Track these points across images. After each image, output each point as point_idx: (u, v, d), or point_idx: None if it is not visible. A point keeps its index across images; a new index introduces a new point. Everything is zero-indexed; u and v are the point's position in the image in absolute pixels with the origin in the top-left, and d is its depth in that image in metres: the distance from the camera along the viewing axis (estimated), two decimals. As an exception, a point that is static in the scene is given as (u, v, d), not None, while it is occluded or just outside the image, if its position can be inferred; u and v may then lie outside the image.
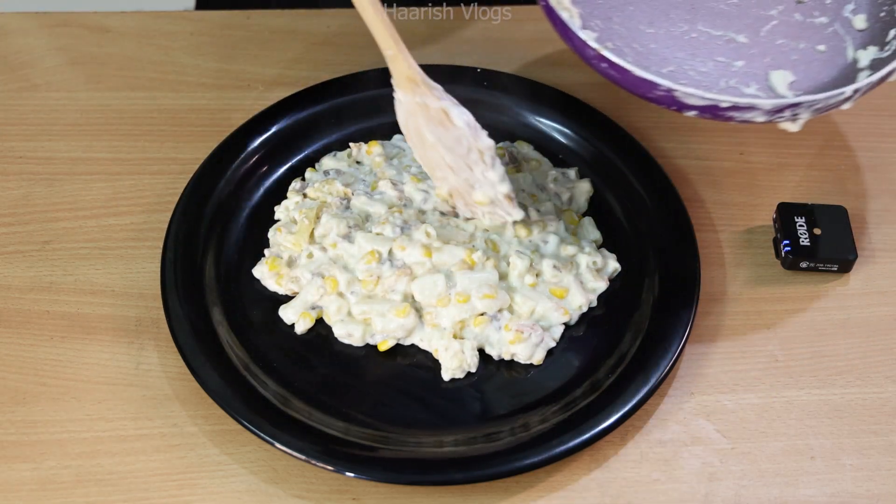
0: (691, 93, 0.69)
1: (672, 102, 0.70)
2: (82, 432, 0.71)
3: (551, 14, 0.73)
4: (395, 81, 0.74)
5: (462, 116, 0.72)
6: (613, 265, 0.79)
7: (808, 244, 0.79)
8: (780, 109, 0.69)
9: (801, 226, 0.80)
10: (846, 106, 0.71)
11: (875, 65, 0.75)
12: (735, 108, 0.69)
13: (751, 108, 0.69)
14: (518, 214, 0.76)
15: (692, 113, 0.71)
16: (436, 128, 0.73)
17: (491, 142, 0.73)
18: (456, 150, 0.73)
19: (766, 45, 0.78)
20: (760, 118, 0.70)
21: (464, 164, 0.74)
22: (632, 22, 0.78)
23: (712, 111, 0.70)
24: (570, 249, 0.78)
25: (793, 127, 0.72)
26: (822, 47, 0.78)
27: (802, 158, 0.88)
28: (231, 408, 0.70)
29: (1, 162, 0.86)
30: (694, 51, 0.77)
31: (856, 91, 0.70)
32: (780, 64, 0.77)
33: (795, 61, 0.77)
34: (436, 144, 0.74)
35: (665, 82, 0.69)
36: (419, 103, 0.73)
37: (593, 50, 0.70)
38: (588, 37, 0.71)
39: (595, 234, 0.81)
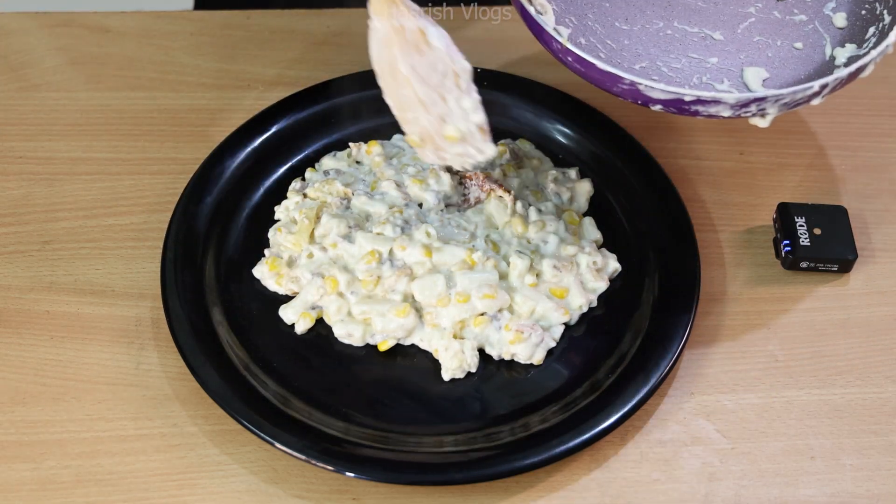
0: (654, 86, 0.69)
1: (637, 96, 0.70)
2: (82, 432, 0.71)
3: (521, 9, 0.73)
4: (372, 7, 0.71)
5: (441, 37, 0.71)
6: (613, 265, 0.79)
7: (808, 244, 0.79)
8: (745, 104, 0.69)
9: (801, 226, 0.80)
10: (816, 101, 0.71)
11: (852, 62, 0.74)
12: (699, 101, 0.69)
13: (715, 102, 0.69)
14: (491, 150, 0.72)
15: (657, 107, 0.71)
16: (411, 54, 0.71)
17: (469, 65, 0.71)
18: (430, 78, 0.71)
19: (741, 42, 0.78)
20: (726, 112, 0.70)
21: (437, 97, 0.71)
22: (607, 18, 0.78)
23: (676, 105, 0.70)
24: (570, 249, 0.78)
25: (762, 123, 0.71)
26: (799, 45, 0.77)
27: (802, 158, 0.88)
28: (231, 408, 0.70)
29: (1, 162, 0.86)
30: (668, 47, 0.77)
31: (823, 86, 0.69)
32: (755, 61, 0.77)
33: (771, 58, 0.77)
34: (409, 77, 0.71)
35: (628, 76, 0.69)
36: (395, 27, 0.70)
37: (559, 44, 0.71)
38: (557, 32, 0.71)
39: (595, 234, 0.81)
